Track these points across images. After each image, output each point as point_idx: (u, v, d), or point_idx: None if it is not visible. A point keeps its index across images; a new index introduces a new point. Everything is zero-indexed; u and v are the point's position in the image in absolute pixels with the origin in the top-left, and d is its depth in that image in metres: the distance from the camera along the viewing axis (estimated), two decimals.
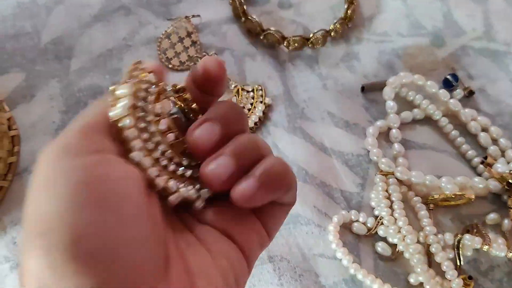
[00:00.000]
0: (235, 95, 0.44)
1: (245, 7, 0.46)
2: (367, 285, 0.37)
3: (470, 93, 0.45)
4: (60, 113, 0.41)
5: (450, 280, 0.36)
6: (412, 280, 0.37)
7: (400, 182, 0.41)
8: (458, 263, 0.37)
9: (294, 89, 0.45)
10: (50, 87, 0.42)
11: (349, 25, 0.48)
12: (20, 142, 0.39)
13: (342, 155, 0.42)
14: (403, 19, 0.49)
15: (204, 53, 0.43)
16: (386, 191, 0.40)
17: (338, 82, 0.45)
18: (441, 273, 0.37)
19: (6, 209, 0.37)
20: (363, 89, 0.45)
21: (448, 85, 0.46)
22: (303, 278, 0.37)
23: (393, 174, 0.41)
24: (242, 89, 0.44)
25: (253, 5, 0.49)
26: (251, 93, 0.44)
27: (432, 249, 0.38)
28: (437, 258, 0.37)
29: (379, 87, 0.45)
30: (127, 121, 0.20)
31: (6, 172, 0.38)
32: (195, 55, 0.45)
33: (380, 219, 0.39)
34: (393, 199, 0.39)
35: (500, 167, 0.40)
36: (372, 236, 0.39)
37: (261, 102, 0.44)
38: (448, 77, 0.46)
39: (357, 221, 0.39)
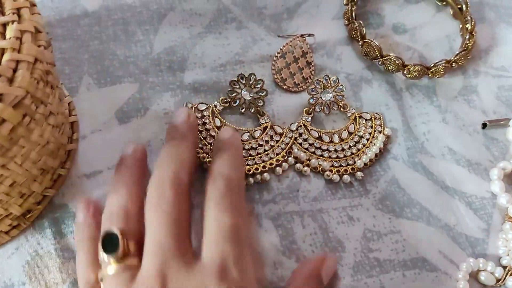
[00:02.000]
0: (352, 123, 0.41)
1: (364, 29, 0.44)
2: None
3: None
4: None
5: None
6: None
7: None
8: None
9: (412, 120, 0.43)
10: (164, 101, 0.40)
11: (468, 57, 0.45)
12: (78, 129, 0.38)
13: (465, 196, 0.40)
14: None
15: (326, 77, 0.41)
16: None
17: (457, 116, 0.43)
18: None
19: None
20: (484, 126, 0.43)
21: None
22: None
23: None
24: (360, 117, 0.42)
25: (367, 27, 0.46)
26: (369, 122, 0.42)
27: None
28: None
29: (500, 125, 0.43)
30: None
31: (65, 160, 0.36)
32: (310, 77, 0.43)
33: (510, 270, 0.37)
34: None
35: None
36: (500, 287, 0.37)
37: (380, 132, 0.41)
38: None
39: (484, 270, 0.37)
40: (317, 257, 0.34)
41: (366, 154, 0.41)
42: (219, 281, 0.26)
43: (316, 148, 0.41)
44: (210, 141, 0.39)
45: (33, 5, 0.30)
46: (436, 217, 0.39)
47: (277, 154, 0.40)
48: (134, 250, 0.27)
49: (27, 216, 0.34)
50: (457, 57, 0.45)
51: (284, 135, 0.40)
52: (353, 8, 0.46)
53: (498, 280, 0.37)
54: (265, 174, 0.39)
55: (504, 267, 0.38)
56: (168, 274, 0.26)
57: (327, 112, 0.42)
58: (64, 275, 0.34)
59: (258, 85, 0.40)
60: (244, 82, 0.40)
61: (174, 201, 0.29)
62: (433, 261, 0.37)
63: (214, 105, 0.41)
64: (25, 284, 0.33)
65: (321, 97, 0.42)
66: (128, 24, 0.43)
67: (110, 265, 0.27)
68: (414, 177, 0.40)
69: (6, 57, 0.26)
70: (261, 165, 0.39)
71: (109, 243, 0.27)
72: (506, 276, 0.37)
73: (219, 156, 0.33)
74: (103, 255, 0.27)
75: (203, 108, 0.40)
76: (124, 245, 0.27)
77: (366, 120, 0.42)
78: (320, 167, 0.40)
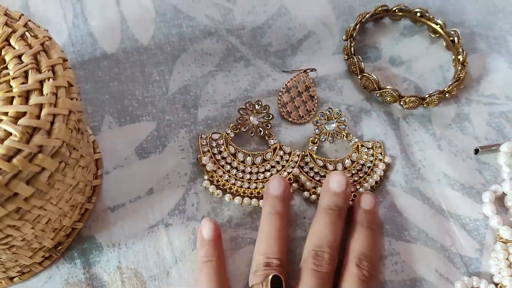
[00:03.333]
0: (355, 152, 0.45)
1: (362, 64, 0.47)
2: None
3: None
4: (191, 165, 0.42)
5: None
6: None
7: None
8: None
9: (409, 148, 0.46)
10: (180, 137, 0.43)
11: (461, 86, 0.49)
12: (102, 165, 0.41)
13: (460, 218, 0.43)
14: (510, 82, 0.51)
15: (329, 110, 0.45)
16: (507, 259, 0.41)
17: (451, 143, 0.47)
18: None
19: None
20: (476, 151, 0.46)
21: None
22: None
23: None
24: (362, 146, 0.45)
25: (365, 61, 0.50)
26: (371, 150, 0.45)
27: None
28: None
29: (491, 150, 0.46)
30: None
31: (91, 195, 0.39)
32: (313, 109, 0.47)
33: (501, 287, 0.40)
34: None
35: None
36: None
37: (381, 160, 0.45)
38: None
39: (478, 287, 0.40)
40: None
41: (367, 182, 0.44)
42: None
43: (321, 176, 0.44)
44: (228, 169, 0.43)
45: (65, 60, 0.33)
46: (432, 238, 0.42)
47: (289, 173, 0.43)
48: None
49: (58, 248, 0.38)
50: (450, 87, 0.48)
51: (292, 154, 0.44)
52: (351, 44, 0.50)
53: None
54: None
55: (496, 284, 0.41)
56: None
57: (331, 141, 0.45)
58: None
59: (264, 111, 0.44)
60: (251, 108, 0.44)
61: (327, 274, 0.36)
62: (430, 280, 0.40)
63: (227, 133, 0.44)
64: None
65: (325, 128, 0.45)
66: (144, 66, 0.46)
67: None
68: (412, 202, 0.44)
69: (44, 112, 0.30)
70: None
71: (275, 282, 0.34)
72: None
73: (364, 235, 0.38)
74: None
75: (217, 137, 0.44)
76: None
77: (367, 148, 0.46)
78: None
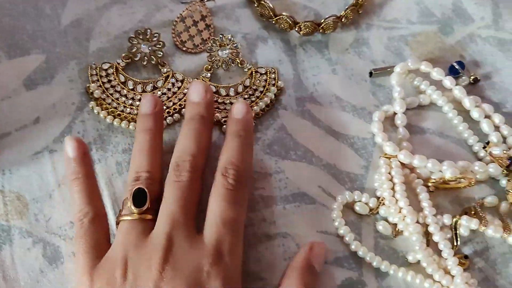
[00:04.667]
0: (249, 77, 0.45)
1: None
2: (367, 261, 0.39)
3: (475, 80, 0.46)
4: (79, 95, 0.43)
5: (446, 259, 0.38)
6: (410, 258, 0.39)
7: (403, 165, 0.42)
8: (455, 243, 0.39)
9: (304, 73, 0.46)
10: (69, 69, 0.44)
11: (360, 12, 0.49)
12: None
13: (348, 138, 0.44)
14: (413, 6, 0.51)
15: (221, 36, 0.45)
16: (389, 173, 0.42)
17: (347, 67, 0.47)
18: (439, 252, 0.39)
19: None
20: (371, 74, 0.46)
21: (454, 72, 0.47)
22: None
23: (397, 157, 0.42)
24: (256, 72, 0.46)
25: None
26: (264, 76, 0.46)
27: (431, 229, 0.39)
28: (435, 238, 0.39)
29: (386, 72, 0.46)
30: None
31: None
32: (208, 38, 0.47)
33: (382, 200, 0.41)
34: (395, 181, 0.41)
35: (499, 150, 0.41)
36: (374, 216, 0.41)
37: (273, 85, 0.45)
38: (455, 64, 0.47)
39: (359, 201, 0.41)
40: (305, 248, 0.37)
41: (257, 105, 0.45)
42: (213, 263, 0.31)
43: (214, 102, 0.45)
44: (117, 97, 0.43)
45: None
46: (318, 157, 0.43)
47: (179, 100, 0.44)
48: (152, 208, 0.33)
49: None
50: (346, 12, 0.48)
51: (186, 82, 0.45)
52: None
53: (371, 210, 0.41)
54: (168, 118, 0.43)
55: (378, 198, 0.42)
56: (175, 239, 0.32)
57: (225, 68, 0.46)
58: None
59: (155, 38, 0.45)
60: (141, 37, 0.45)
61: (189, 183, 0.34)
62: (312, 195, 0.41)
63: (117, 62, 0.45)
64: None
65: (218, 54, 0.46)
66: (37, 1, 0.47)
67: (132, 214, 0.33)
68: (302, 123, 0.44)
69: None
70: (166, 111, 0.43)
71: (137, 197, 0.33)
72: (379, 205, 0.41)
73: (231, 144, 0.37)
74: (130, 206, 0.33)
75: (107, 67, 0.44)
76: (149, 203, 0.33)
77: (261, 74, 0.46)
78: (215, 118, 0.44)
